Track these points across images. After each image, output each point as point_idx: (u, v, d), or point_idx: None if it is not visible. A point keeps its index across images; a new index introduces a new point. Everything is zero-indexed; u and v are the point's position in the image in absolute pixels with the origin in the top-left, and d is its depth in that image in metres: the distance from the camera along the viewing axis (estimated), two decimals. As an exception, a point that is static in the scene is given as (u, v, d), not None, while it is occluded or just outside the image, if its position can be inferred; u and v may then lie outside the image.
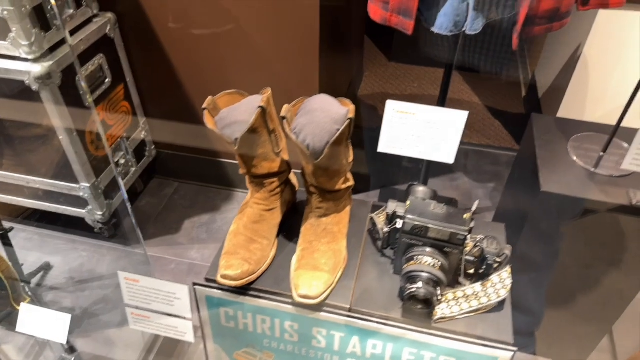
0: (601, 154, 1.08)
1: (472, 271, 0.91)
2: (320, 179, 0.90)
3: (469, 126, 2.25)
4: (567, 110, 1.74)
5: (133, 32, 1.56)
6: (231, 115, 0.87)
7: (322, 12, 1.39)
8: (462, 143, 2.13)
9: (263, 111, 0.85)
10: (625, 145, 1.13)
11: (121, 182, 1.66)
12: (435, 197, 0.95)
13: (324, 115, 0.83)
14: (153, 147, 1.83)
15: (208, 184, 1.90)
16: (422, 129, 0.92)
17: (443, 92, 1.42)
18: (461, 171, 2.01)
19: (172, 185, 1.92)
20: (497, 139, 2.18)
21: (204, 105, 0.87)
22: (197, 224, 1.77)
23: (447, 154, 0.93)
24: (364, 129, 2.18)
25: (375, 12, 1.17)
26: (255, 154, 0.89)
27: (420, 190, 0.95)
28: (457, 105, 2.37)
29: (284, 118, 0.83)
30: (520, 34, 1.07)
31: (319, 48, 1.44)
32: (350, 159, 0.92)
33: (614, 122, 1.06)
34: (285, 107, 0.84)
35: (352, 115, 0.83)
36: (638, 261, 1.12)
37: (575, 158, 1.09)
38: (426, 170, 1.52)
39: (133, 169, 1.73)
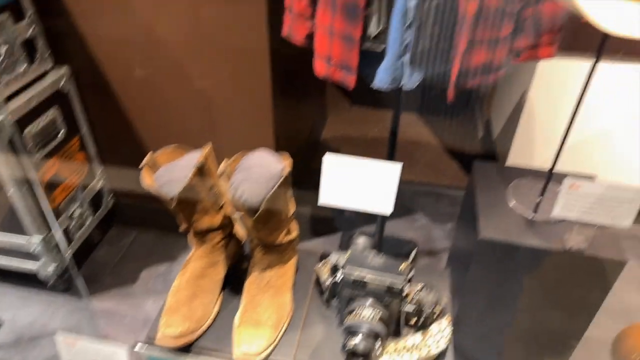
0: (539, 199, 1.12)
1: (413, 321, 0.92)
2: (261, 233, 0.91)
3: (428, 166, 2.31)
4: (518, 153, 1.81)
5: (89, 84, 1.58)
6: (169, 173, 0.88)
7: (274, 60, 1.43)
8: (421, 184, 2.19)
9: (200, 169, 0.86)
10: (578, 180, 1.17)
11: (63, 239, 1.64)
12: (378, 245, 0.97)
13: (261, 171, 0.85)
14: (111, 196, 1.82)
15: (167, 232, 1.89)
16: (360, 182, 0.95)
17: (392, 138, 1.47)
18: (421, 212, 2.05)
19: (131, 235, 1.90)
20: (456, 179, 2.23)
21: (142, 163, 0.88)
22: (154, 274, 1.74)
23: (384, 205, 0.96)
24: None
25: (320, 67, 1.22)
26: (195, 210, 0.90)
27: (361, 241, 0.97)
28: (416, 147, 2.44)
29: (221, 174, 0.85)
30: (454, 87, 1.12)
31: (271, 96, 1.47)
32: (292, 212, 0.94)
33: (560, 166, 1.10)
34: (223, 163, 0.86)
35: (288, 170, 0.85)
36: (580, 302, 1.14)
37: (514, 204, 1.13)
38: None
39: (89, 220, 1.71)
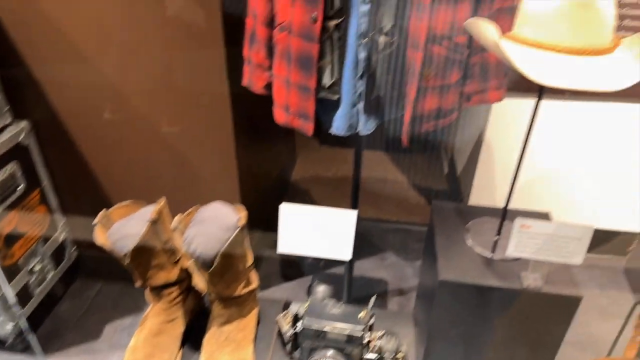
0: (495, 238, 1.15)
1: (375, 370, 0.91)
2: (218, 287, 0.90)
3: (396, 203, 2.33)
4: (479, 190, 1.85)
5: (49, 137, 1.57)
6: (124, 228, 0.88)
7: (235, 106, 1.44)
8: (389, 221, 2.21)
9: (153, 224, 0.86)
10: (529, 220, 1.20)
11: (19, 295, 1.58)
12: (334, 294, 0.97)
13: (215, 224, 0.85)
14: (74, 248, 1.78)
15: (132, 284, 1.84)
16: (317, 229, 0.95)
17: (355, 177, 1.49)
18: (390, 250, 2.06)
19: (95, 287, 1.84)
20: (424, 216, 2.26)
21: (95, 221, 0.87)
22: (119, 327, 1.68)
23: (343, 252, 0.97)
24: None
25: (279, 115, 1.25)
26: (150, 265, 0.89)
27: (321, 289, 0.97)
28: (385, 184, 2.47)
29: (175, 229, 0.84)
30: (407, 133, 1.16)
31: (234, 141, 1.48)
32: (250, 262, 0.94)
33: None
34: (177, 217, 0.86)
35: (242, 222, 0.85)
36: (543, 337, 1.15)
37: (472, 244, 1.15)
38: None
39: (51, 274, 1.66)
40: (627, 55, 0.79)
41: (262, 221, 1.73)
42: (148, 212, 0.88)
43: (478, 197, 1.85)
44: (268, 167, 2.13)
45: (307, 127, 1.18)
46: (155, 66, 1.40)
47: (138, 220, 0.87)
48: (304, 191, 2.42)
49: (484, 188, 1.82)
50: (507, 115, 1.68)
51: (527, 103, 1.62)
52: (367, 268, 1.96)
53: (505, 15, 1.08)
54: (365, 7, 1.02)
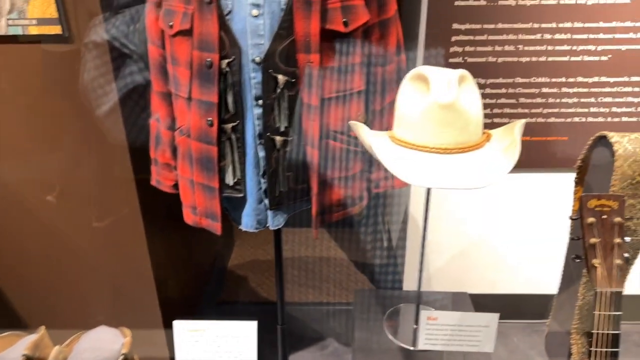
0: (414, 327, 1.13)
1: None
2: (106, 421, 0.82)
3: (334, 284, 2.29)
4: (412, 269, 1.84)
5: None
6: (-4, 366, 0.79)
7: (145, 203, 1.39)
8: (330, 303, 2.15)
9: (30, 359, 0.78)
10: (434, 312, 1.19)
11: None
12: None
13: (92, 356, 0.78)
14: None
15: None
16: (216, 343, 0.90)
17: (277, 259, 1.46)
18: (331, 335, 1.98)
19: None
20: (365, 294, 2.22)
21: (-39, 361, 0.78)
22: None
23: (248, 364, 0.91)
24: (231, 303, 2.13)
25: (187, 216, 1.22)
26: (27, 404, 0.80)
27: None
28: (320, 262, 2.44)
29: (54, 362, 0.77)
30: (316, 225, 1.16)
31: (147, 244, 1.42)
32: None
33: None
34: (55, 349, 0.79)
35: (126, 350, 0.79)
36: None
37: (390, 336, 1.12)
38: (282, 340, 1.48)
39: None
40: (497, 148, 0.83)
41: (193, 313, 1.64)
42: (25, 344, 0.80)
43: (412, 275, 1.84)
44: (201, 257, 2.06)
45: (215, 226, 1.16)
46: (58, 168, 1.35)
47: (14, 354, 0.79)
48: (241, 278, 2.35)
49: (415, 266, 1.82)
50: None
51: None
52: (307, 356, 1.87)
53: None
54: (258, 110, 1.04)
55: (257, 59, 1.00)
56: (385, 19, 1.09)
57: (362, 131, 0.86)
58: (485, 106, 1.58)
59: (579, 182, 0.96)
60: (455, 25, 1.49)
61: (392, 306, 1.20)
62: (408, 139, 0.81)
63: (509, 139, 0.85)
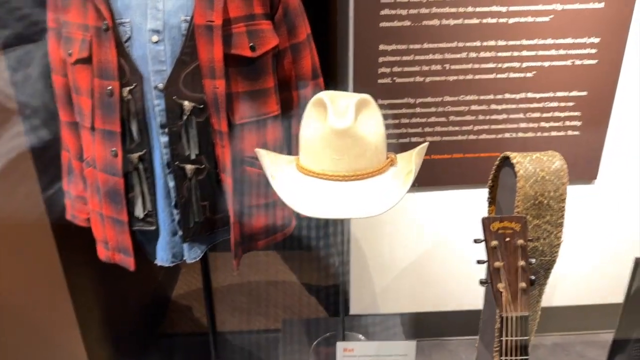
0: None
1: None
2: None
3: (284, 309, 2.23)
4: (358, 288, 1.81)
5: None
6: None
7: (60, 238, 1.31)
8: (268, 331, 2.08)
9: None
10: (362, 337, 1.16)
11: None
12: None
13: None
14: None
15: None
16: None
17: (206, 287, 1.40)
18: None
19: None
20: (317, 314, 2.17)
21: None
22: None
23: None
24: (171, 336, 2.04)
25: (100, 251, 1.15)
26: None
27: None
28: (274, 286, 2.38)
29: None
30: (236, 255, 1.11)
31: (66, 280, 1.33)
32: None
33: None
34: None
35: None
36: None
37: (316, 368, 1.08)
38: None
39: None
40: (400, 173, 0.81)
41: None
42: None
43: (359, 297, 1.80)
44: (137, 291, 1.96)
45: (128, 261, 1.10)
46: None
47: None
48: (185, 308, 2.26)
49: (362, 288, 1.79)
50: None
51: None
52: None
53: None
54: (164, 139, 0.99)
55: (160, 86, 0.96)
56: (296, 42, 1.07)
57: (265, 160, 0.82)
58: (416, 125, 1.58)
59: (492, 201, 0.95)
60: (382, 46, 1.49)
61: (321, 335, 1.16)
62: (309, 166, 0.78)
63: (411, 165, 0.84)
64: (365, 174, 0.75)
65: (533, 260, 0.78)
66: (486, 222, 0.78)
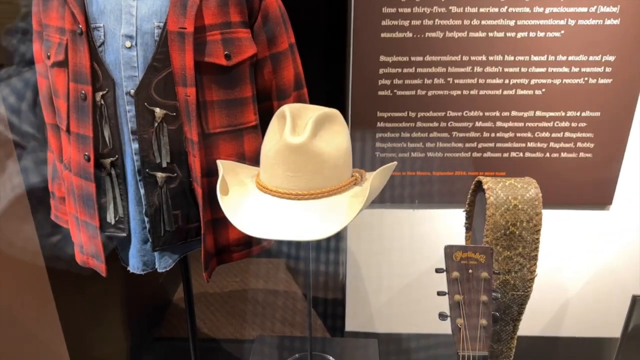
0: (308, 380, 1.04)
1: None
2: None
3: (282, 321, 2.19)
4: (354, 304, 1.76)
5: None
6: None
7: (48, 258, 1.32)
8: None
9: None
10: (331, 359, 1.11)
11: None
12: None
13: None
14: None
15: None
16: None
17: (187, 294, 1.37)
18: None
19: None
20: (315, 327, 2.12)
21: None
22: None
23: None
24: (167, 339, 2.03)
25: (77, 255, 1.15)
26: None
27: None
28: (274, 295, 2.35)
29: None
30: (207, 267, 1.08)
31: (53, 297, 1.34)
32: None
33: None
34: None
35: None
36: None
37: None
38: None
39: None
40: (362, 193, 0.76)
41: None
42: None
43: (356, 313, 1.75)
44: (129, 296, 1.96)
45: (100, 267, 1.09)
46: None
47: None
48: (184, 312, 2.25)
49: (357, 303, 1.73)
50: (364, 224, 1.65)
51: (380, 212, 1.61)
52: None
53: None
54: (135, 145, 0.98)
55: (132, 92, 0.94)
56: (276, 52, 1.04)
57: (221, 173, 0.79)
58: (417, 140, 1.52)
59: (468, 227, 0.89)
60: (383, 58, 1.44)
61: (291, 355, 1.12)
62: (264, 182, 0.75)
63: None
64: (321, 192, 0.71)
65: (498, 295, 0.72)
66: (448, 251, 0.72)
